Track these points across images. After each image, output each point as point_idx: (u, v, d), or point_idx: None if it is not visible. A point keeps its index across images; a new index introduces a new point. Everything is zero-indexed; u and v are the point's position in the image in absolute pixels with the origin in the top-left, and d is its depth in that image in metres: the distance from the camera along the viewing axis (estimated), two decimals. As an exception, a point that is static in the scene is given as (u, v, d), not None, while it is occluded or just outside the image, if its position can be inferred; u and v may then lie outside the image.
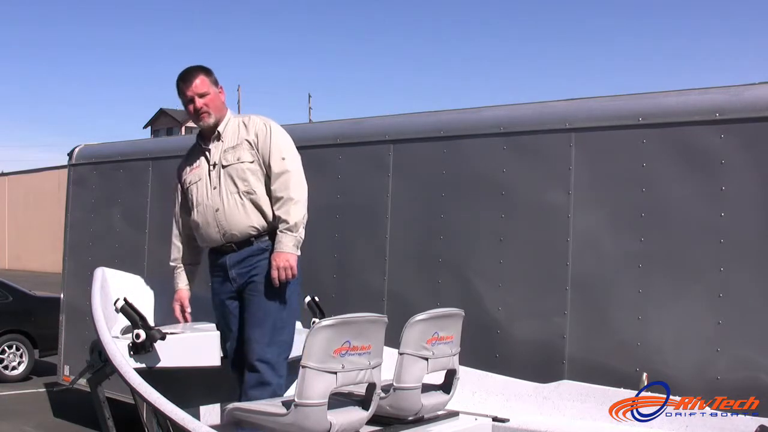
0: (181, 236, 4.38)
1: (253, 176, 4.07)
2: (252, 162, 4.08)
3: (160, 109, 64.72)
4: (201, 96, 4.14)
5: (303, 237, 4.04)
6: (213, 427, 3.16)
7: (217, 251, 4.17)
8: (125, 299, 3.80)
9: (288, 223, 3.99)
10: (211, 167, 4.16)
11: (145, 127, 66.09)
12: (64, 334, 7.94)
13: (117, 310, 3.79)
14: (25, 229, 35.73)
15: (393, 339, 3.55)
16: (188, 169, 4.29)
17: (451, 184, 5.23)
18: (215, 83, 4.23)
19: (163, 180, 7.14)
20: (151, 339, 3.72)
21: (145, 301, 4.05)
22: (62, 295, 8.10)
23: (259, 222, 4.05)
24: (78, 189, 8.02)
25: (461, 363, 3.89)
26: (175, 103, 70.60)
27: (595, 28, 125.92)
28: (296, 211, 4.01)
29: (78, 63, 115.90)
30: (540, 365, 4.63)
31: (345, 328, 3.20)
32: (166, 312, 4.37)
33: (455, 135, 5.26)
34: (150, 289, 4.50)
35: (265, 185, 4.08)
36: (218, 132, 4.18)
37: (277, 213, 4.03)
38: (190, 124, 61.72)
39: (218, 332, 4.21)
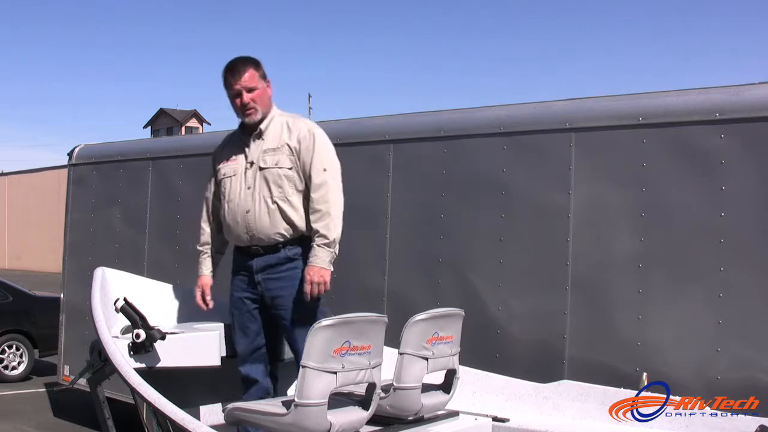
0: (210, 222, 4.30)
1: (289, 183, 4.00)
2: (290, 169, 4.00)
3: (160, 109, 64.75)
4: (249, 90, 4.03)
5: (337, 253, 3.98)
6: (213, 427, 3.17)
7: (243, 251, 4.11)
8: (125, 299, 3.81)
9: (327, 238, 3.92)
10: (248, 165, 4.07)
11: (145, 127, 66.12)
12: (64, 334, 7.94)
13: (117, 310, 3.80)
14: (25, 229, 35.74)
15: (393, 339, 3.55)
16: (225, 159, 4.18)
17: (451, 184, 5.22)
18: (264, 77, 4.10)
19: (163, 180, 7.15)
20: (151, 339, 3.73)
21: (145, 301, 4.05)
22: (62, 295, 8.10)
23: (286, 230, 4.00)
24: (78, 189, 8.02)
25: (461, 363, 3.89)
26: (174, 103, 70.62)
27: (595, 27, 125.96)
28: (336, 226, 3.95)
29: (78, 63, 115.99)
30: (540, 365, 4.62)
31: (345, 328, 3.20)
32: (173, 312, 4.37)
33: (455, 135, 5.25)
34: (150, 289, 4.49)
35: (302, 193, 4.01)
36: (260, 130, 4.08)
37: (315, 225, 3.95)
38: (190, 123, 61.97)
39: (218, 332, 4.20)
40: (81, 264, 7.64)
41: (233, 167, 4.12)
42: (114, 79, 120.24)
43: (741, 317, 4.14)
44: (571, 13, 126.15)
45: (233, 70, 4.06)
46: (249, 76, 4.04)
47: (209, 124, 62.71)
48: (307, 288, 3.90)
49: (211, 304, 4.27)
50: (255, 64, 4.09)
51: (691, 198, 4.33)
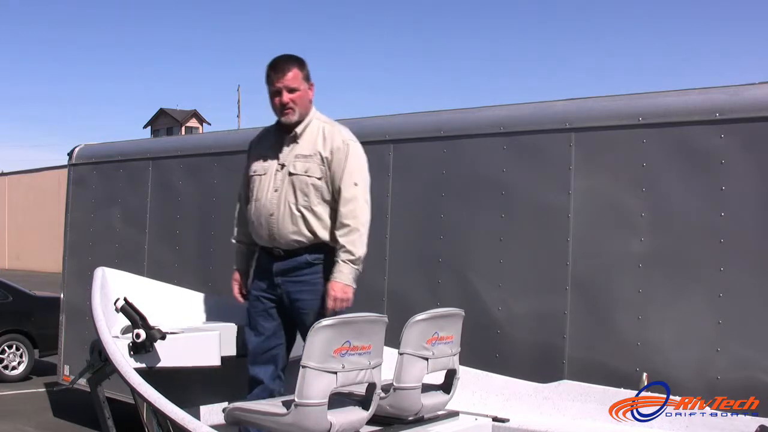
0: (244, 216, 4.25)
1: (316, 192, 3.95)
2: (320, 179, 3.95)
3: (160, 109, 64.76)
4: (290, 91, 3.96)
5: (361, 271, 3.96)
6: (213, 427, 3.16)
7: (266, 251, 4.10)
8: (125, 299, 3.80)
9: (353, 255, 3.90)
10: (279, 167, 4.02)
11: (145, 127, 66.13)
12: (64, 334, 7.95)
13: (117, 310, 3.79)
14: (25, 229, 35.75)
15: (393, 339, 3.55)
16: (258, 155, 4.13)
17: (451, 184, 5.22)
18: (307, 78, 4.02)
19: (163, 180, 7.15)
20: (151, 339, 3.72)
21: (145, 301, 4.05)
22: (62, 295, 8.11)
23: (306, 237, 3.96)
24: (78, 189, 8.02)
25: (461, 363, 3.89)
26: (175, 103, 70.57)
27: (595, 27, 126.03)
28: (362, 243, 3.93)
29: (78, 63, 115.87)
30: (540, 365, 4.62)
31: (345, 328, 3.20)
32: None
33: (455, 135, 5.26)
34: (150, 289, 4.49)
35: (327, 203, 3.97)
36: (296, 133, 4.03)
37: (341, 240, 3.91)
38: (190, 123, 61.99)
39: (218, 332, 4.20)
40: (81, 264, 7.64)
41: (264, 166, 4.07)
42: (114, 79, 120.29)
43: (741, 317, 4.14)
44: (571, 13, 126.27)
45: (277, 67, 3.99)
46: (292, 76, 3.97)
47: (209, 124, 62.78)
48: (330, 304, 3.87)
49: (243, 299, 4.25)
50: (300, 64, 4.02)
51: (691, 198, 4.33)
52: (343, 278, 3.89)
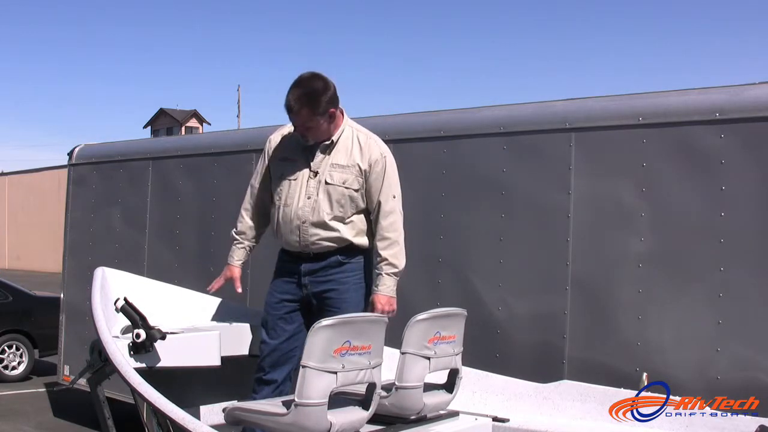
0: (251, 211, 4.21)
1: (352, 204, 3.96)
2: (357, 190, 3.96)
3: (160, 109, 64.71)
4: (306, 128, 3.92)
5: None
6: (213, 426, 3.16)
7: (291, 254, 4.07)
8: (125, 299, 3.80)
9: (396, 268, 3.98)
10: (312, 174, 3.98)
11: (145, 127, 66.09)
12: (64, 334, 7.95)
13: (117, 310, 3.79)
14: (25, 229, 35.74)
15: (393, 339, 3.55)
16: (286, 157, 4.06)
17: (451, 184, 5.22)
18: (323, 112, 3.87)
19: (163, 180, 7.15)
20: (151, 339, 3.72)
21: (145, 301, 4.05)
22: (62, 295, 8.11)
23: (338, 243, 3.97)
24: (78, 189, 8.03)
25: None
26: (175, 103, 70.52)
27: (595, 27, 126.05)
28: (403, 255, 4.02)
29: (78, 63, 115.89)
30: (540, 365, 4.63)
31: (345, 327, 3.20)
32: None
33: (455, 135, 5.26)
34: (150, 289, 4.49)
35: (360, 213, 4.00)
36: (332, 141, 3.97)
37: (383, 253, 3.97)
38: (190, 123, 62.00)
39: (218, 332, 4.20)
40: (81, 264, 7.65)
41: (294, 170, 4.01)
42: (114, 79, 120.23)
43: (741, 317, 4.14)
44: (571, 13, 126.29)
45: (289, 104, 3.89)
46: (304, 118, 3.89)
47: (209, 124, 62.71)
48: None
49: (239, 289, 4.25)
50: (312, 104, 3.85)
51: (691, 198, 4.33)
52: (388, 291, 3.97)
